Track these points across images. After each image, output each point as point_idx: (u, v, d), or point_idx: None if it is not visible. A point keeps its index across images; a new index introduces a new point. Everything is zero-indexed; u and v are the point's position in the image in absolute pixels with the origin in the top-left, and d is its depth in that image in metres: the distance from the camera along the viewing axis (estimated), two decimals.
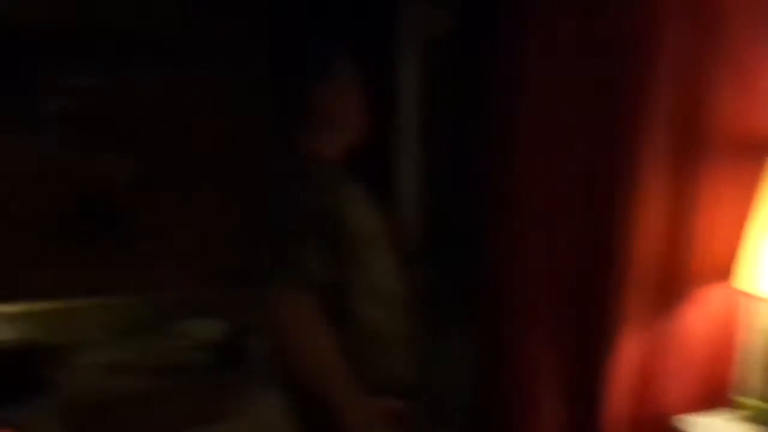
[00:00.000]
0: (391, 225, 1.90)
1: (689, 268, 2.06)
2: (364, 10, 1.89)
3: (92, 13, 1.50)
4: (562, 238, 2.06)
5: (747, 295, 1.87)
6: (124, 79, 1.79)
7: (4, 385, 1.54)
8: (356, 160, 1.67)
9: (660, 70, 1.96)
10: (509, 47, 1.94)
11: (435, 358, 2.12)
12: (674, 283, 2.13)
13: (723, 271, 1.90)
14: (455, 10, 1.99)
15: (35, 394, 1.53)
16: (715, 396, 1.80)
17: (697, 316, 1.98)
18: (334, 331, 1.40)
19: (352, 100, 1.63)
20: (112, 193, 1.84)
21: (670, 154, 2.05)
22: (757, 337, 1.79)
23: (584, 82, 1.98)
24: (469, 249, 2.17)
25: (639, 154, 2.02)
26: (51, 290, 1.83)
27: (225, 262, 1.94)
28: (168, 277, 1.93)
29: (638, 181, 2.03)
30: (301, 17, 1.83)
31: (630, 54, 1.91)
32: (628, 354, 2.20)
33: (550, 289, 2.08)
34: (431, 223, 2.11)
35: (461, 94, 2.07)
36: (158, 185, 1.88)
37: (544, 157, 1.99)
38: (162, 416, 1.50)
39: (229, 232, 1.93)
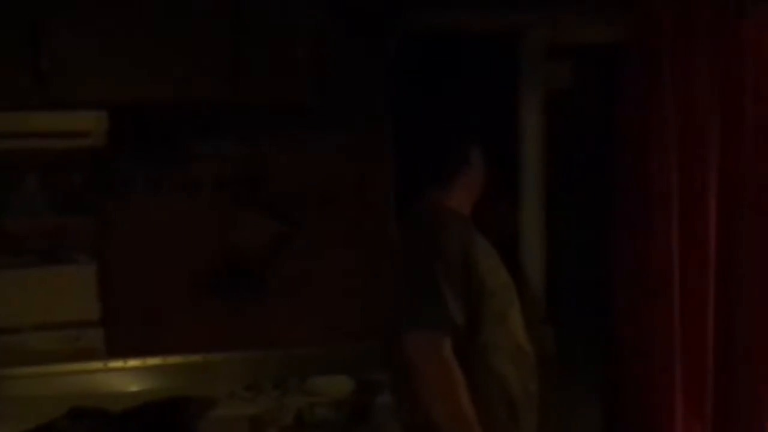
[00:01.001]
0: (521, 283, 1.88)
1: None
2: (488, 71, 1.93)
3: (240, 91, 1.63)
4: (697, 299, 1.93)
5: None
6: (264, 145, 1.92)
7: None
8: (482, 215, 1.68)
9: None
10: (637, 98, 1.91)
11: (562, 422, 2.01)
12: None
13: None
14: (578, 62, 1.99)
15: None
16: None
17: None
18: (467, 382, 1.38)
19: (483, 162, 1.66)
20: (250, 253, 1.95)
21: None
22: None
23: (723, 135, 1.90)
24: (596, 311, 2.08)
25: None
26: (191, 344, 1.94)
27: (356, 316, 1.99)
28: (301, 334, 1.99)
29: None
30: (425, 80, 1.91)
31: None
32: None
33: (686, 358, 1.94)
34: (556, 281, 2.05)
35: (585, 146, 2.04)
36: (293, 244, 1.97)
37: (673, 215, 1.90)
38: None
39: (362, 286, 1.99)
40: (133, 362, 1.91)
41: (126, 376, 1.91)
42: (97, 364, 1.88)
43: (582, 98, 2.01)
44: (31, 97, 1.53)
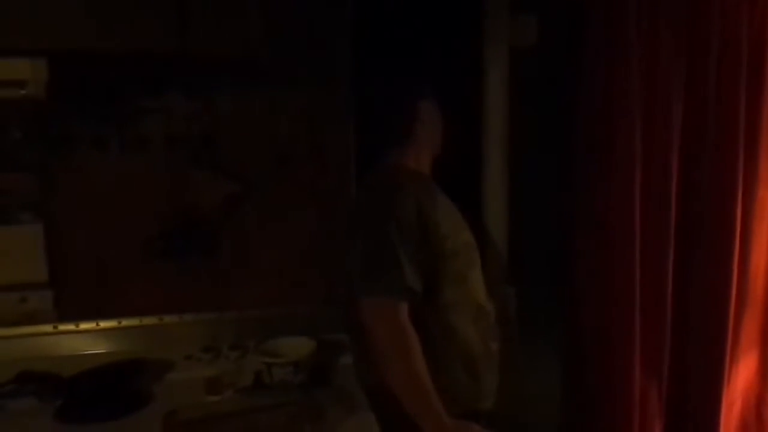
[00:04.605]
0: (483, 242, 1.87)
1: None
2: (450, 23, 1.87)
3: (187, 44, 1.55)
4: (657, 259, 1.95)
5: None
6: (216, 102, 1.85)
7: (106, 397, 1.60)
8: (444, 174, 1.65)
9: None
10: (602, 56, 1.88)
11: (522, 382, 2.03)
12: None
13: None
14: (542, 18, 1.94)
15: (136, 407, 1.57)
16: None
17: None
18: (425, 343, 1.37)
19: (439, 116, 1.62)
20: (203, 213, 1.89)
21: None
22: None
23: (686, 94, 1.89)
24: (556, 270, 2.08)
25: (749, 167, 1.89)
26: (146, 307, 1.90)
27: (315, 278, 1.97)
28: (258, 295, 1.96)
29: (747, 197, 1.90)
30: (385, 35, 1.84)
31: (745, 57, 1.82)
32: (737, 381, 2.04)
33: (645, 315, 1.97)
34: (518, 241, 2.04)
35: (549, 105, 2.01)
36: (247, 204, 1.92)
37: (636, 172, 1.90)
38: None
39: (321, 248, 1.96)
40: (85, 325, 1.86)
41: (78, 340, 1.86)
42: (47, 327, 1.83)
43: (546, 56, 1.97)
44: None
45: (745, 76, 1.84)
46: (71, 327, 1.85)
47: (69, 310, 1.85)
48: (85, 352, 1.84)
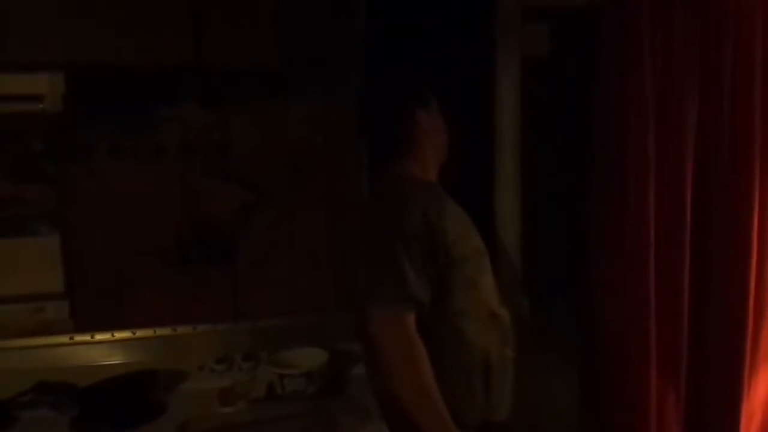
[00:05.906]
0: (496, 251, 1.85)
1: None
2: (462, 31, 1.88)
3: (202, 54, 1.57)
4: (673, 266, 1.92)
5: None
6: (229, 111, 1.87)
7: (121, 407, 1.60)
8: (457, 182, 1.64)
9: None
10: (615, 63, 1.87)
11: (537, 390, 2.01)
12: None
13: None
14: (554, 26, 1.94)
15: (149, 418, 1.57)
16: None
17: None
18: (434, 351, 1.35)
19: (442, 125, 1.62)
20: (216, 222, 1.90)
21: None
22: None
23: (700, 98, 1.87)
24: (571, 279, 2.07)
25: (766, 170, 1.86)
26: (160, 317, 1.91)
27: (329, 287, 1.97)
28: (272, 305, 1.96)
29: (764, 202, 1.88)
30: (397, 43, 1.85)
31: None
32: (757, 392, 2.00)
33: (661, 324, 1.94)
34: (531, 250, 2.03)
35: (561, 114, 2.00)
36: (261, 213, 1.93)
37: (650, 179, 1.88)
38: None
39: (334, 257, 1.96)
40: (101, 336, 1.88)
41: (94, 350, 1.87)
42: (63, 338, 1.85)
43: (559, 65, 1.97)
44: None
45: (759, 77, 1.81)
46: (87, 338, 1.87)
47: (85, 320, 1.86)
48: (101, 363, 1.86)
